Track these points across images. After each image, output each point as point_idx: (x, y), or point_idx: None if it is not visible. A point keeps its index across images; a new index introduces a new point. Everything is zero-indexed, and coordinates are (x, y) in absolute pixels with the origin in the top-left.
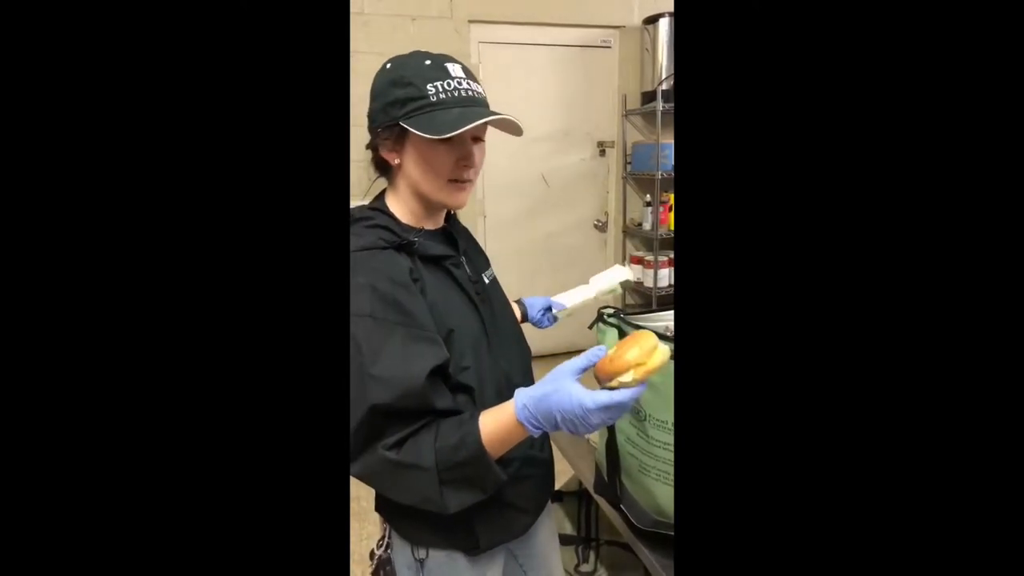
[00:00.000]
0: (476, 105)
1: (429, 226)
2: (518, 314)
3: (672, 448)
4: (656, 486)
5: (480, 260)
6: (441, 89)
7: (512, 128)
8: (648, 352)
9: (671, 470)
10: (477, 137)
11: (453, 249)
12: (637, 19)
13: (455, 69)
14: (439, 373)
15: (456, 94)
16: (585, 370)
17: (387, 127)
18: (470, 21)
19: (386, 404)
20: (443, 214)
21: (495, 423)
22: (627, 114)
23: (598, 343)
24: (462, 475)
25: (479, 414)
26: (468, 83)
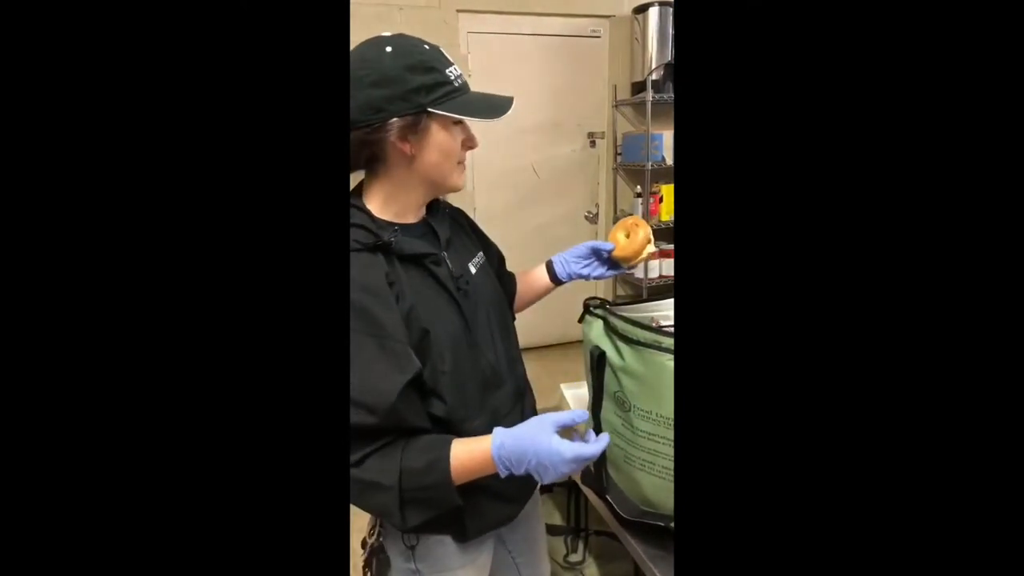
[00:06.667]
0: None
1: (411, 219)
2: (541, 283)
3: (656, 438)
4: (641, 476)
5: (467, 248)
6: (455, 74)
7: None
8: (648, 233)
9: (656, 460)
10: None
11: (434, 245)
12: (626, 8)
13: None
14: (413, 385)
15: (463, 79)
16: (565, 426)
17: (406, 115)
18: (458, 11)
19: (352, 424)
20: (425, 205)
21: (468, 455)
22: (617, 104)
23: (584, 336)
24: (425, 496)
25: (452, 441)
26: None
